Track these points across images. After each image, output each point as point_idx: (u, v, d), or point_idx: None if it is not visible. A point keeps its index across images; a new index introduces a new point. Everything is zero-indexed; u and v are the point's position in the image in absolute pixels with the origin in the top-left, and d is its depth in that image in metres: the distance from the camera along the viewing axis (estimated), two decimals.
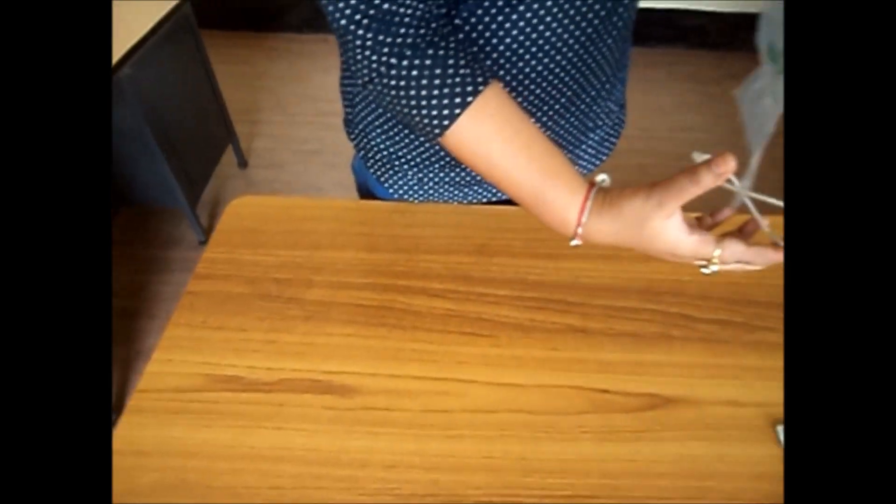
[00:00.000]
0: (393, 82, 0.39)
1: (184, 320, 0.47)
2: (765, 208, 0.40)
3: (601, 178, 0.41)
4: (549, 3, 0.42)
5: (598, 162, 0.63)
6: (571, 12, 0.44)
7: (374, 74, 0.39)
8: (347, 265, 0.53)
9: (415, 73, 0.38)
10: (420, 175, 0.57)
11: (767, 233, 0.41)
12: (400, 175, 0.58)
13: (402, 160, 0.57)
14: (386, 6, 0.37)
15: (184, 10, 1.19)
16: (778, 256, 0.39)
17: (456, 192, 0.58)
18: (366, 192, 0.65)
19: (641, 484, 0.39)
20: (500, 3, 0.42)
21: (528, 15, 0.43)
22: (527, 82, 0.48)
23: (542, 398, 0.43)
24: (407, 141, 0.55)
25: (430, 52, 0.38)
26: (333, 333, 0.48)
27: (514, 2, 0.42)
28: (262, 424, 0.41)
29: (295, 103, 2.09)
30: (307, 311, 0.49)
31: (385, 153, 0.57)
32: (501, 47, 0.45)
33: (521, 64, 0.46)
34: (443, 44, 0.39)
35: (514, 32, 0.44)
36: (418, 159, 0.56)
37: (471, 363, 0.45)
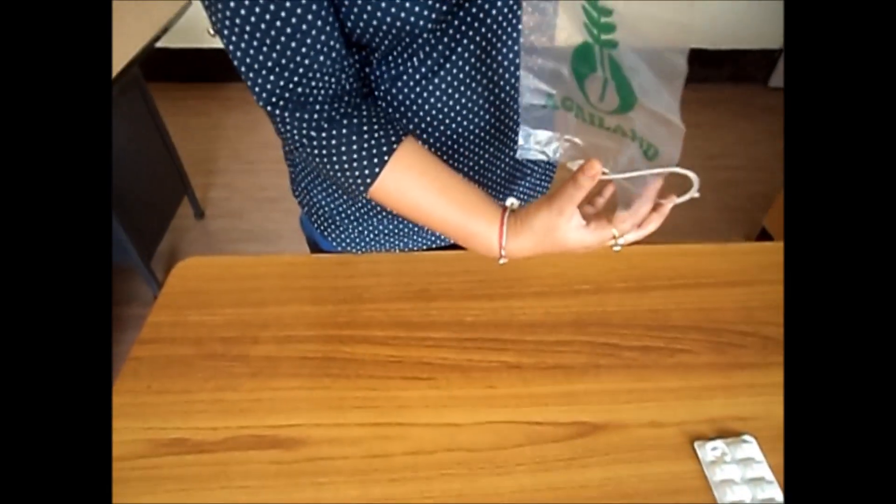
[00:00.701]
0: (316, 150, 0.43)
1: (127, 387, 0.48)
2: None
3: (510, 202, 0.47)
4: (461, 76, 0.47)
5: None
6: (484, 81, 0.49)
7: (297, 145, 0.44)
8: (293, 319, 0.55)
9: (334, 142, 0.42)
10: (360, 228, 0.60)
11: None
12: (342, 229, 0.61)
13: (343, 215, 0.60)
14: (300, 90, 0.41)
15: (131, 72, 1.21)
16: (642, 202, 0.43)
17: (396, 242, 0.62)
18: (313, 245, 0.68)
19: None
20: (416, 77, 0.47)
21: (443, 86, 0.48)
22: (449, 143, 0.52)
23: (479, 435, 0.46)
24: (346, 197, 0.58)
25: (346, 122, 0.43)
26: (279, 388, 0.49)
27: (430, 75, 0.47)
28: (207, 485, 0.42)
29: (251, 152, 2.11)
30: (253, 368, 0.51)
31: (326, 209, 0.60)
32: (421, 113, 0.49)
33: (441, 127, 0.51)
34: (355, 113, 0.43)
35: (432, 100, 0.48)
36: (357, 214, 0.59)
37: (411, 406, 0.48)
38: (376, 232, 0.61)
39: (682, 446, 0.46)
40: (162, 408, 0.47)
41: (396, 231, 0.61)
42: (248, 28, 0.39)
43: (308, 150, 0.43)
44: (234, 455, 0.44)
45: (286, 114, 0.42)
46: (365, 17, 0.40)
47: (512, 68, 0.49)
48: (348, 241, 0.62)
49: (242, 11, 0.38)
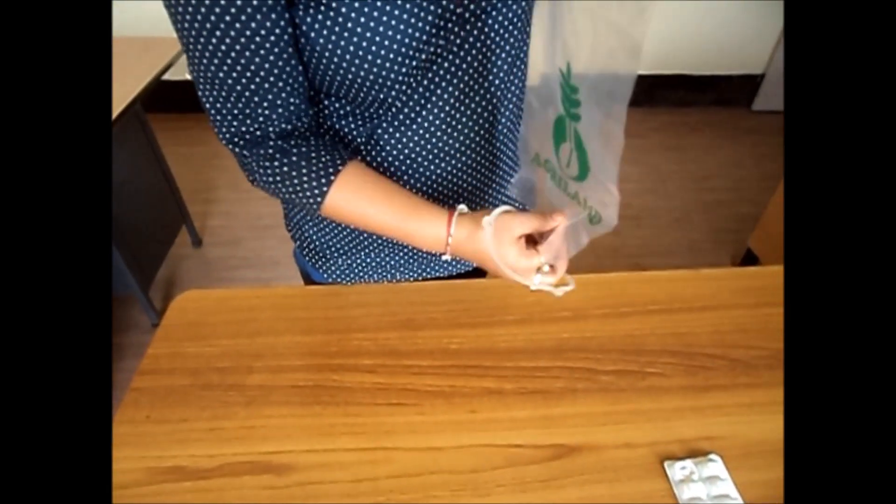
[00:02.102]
0: (271, 178, 0.50)
1: (127, 417, 0.51)
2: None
3: (461, 207, 0.52)
4: (437, 122, 0.51)
5: None
6: (459, 126, 0.53)
7: (255, 175, 0.50)
8: (285, 349, 0.58)
9: (286, 169, 0.49)
10: (349, 261, 0.64)
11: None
12: (332, 262, 0.64)
13: (333, 249, 0.63)
14: (258, 133, 0.48)
15: (134, 108, 1.26)
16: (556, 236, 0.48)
17: (384, 274, 0.65)
18: (305, 277, 0.71)
19: None
20: (395, 124, 0.51)
21: (421, 131, 0.52)
22: (429, 183, 0.56)
23: (461, 458, 0.48)
24: (335, 232, 0.62)
25: (296, 150, 0.49)
26: (272, 415, 0.52)
27: (407, 122, 0.51)
28: None
29: None
30: (247, 397, 0.53)
31: (317, 243, 0.64)
32: (401, 157, 0.53)
33: (421, 169, 0.55)
34: (304, 143, 0.49)
35: (411, 145, 0.53)
36: (346, 248, 0.62)
37: (397, 431, 0.50)
38: (364, 265, 0.64)
39: (652, 466, 0.48)
40: (160, 437, 0.49)
41: (383, 264, 0.64)
42: (216, 82, 0.45)
43: (265, 178, 0.50)
44: (229, 481, 0.46)
45: (245, 151, 0.49)
46: (341, 71, 0.45)
47: (485, 114, 0.53)
48: (338, 273, 0.65)
49: (213, 68, 0.43)
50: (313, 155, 0.49)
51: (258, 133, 0.48)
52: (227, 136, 0.49)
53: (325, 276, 0.66)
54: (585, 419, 0.52)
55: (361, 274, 0.65)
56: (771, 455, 0.49)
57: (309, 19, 0.42)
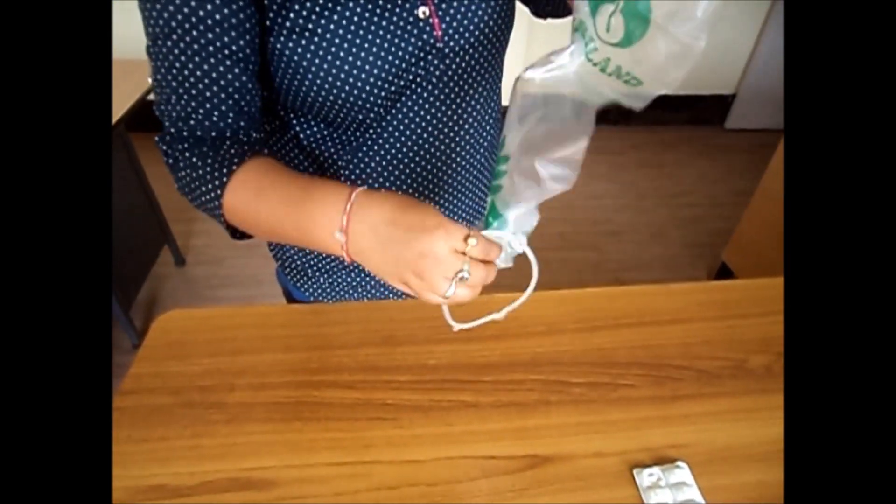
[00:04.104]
0: (182, 170, 0.47)
1: None
2: None
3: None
4: (419, 140, 0.54)
5: None
6: (441, 147, 0.55)
7: (173, 172, 0.48)
8: (267, 367, 0.59)
9: (195, 159, 0.46)
10: (330, 280, 0.65)
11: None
12: (313, 281, 0.66)
13: (314, 268, 0.65)
14: (185, 131, 0.48)
15: (118, 129, 1.27)
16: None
17: (363, 294, 0.67)
18: (287, 295, 0.72)
19: None
20: (380, 142, 0.53)
21: (404, 149, 0.54)
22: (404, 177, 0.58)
23: (438, 470, 0.50)
24: (316, 251, 0.64)
25: (209, 142, 0.47)
26: (253, 432, 0.53)
27: (389, 139, 0.53)
28: None
29: None
30: (229, 414, 0.54)
31: (298, 262, 0.65)
32: (386, 174, 0.56)
33: (403, 187, 0.57)
34: (225, 143, 0.47)
35: (394, 164, 0.55)
36: (327, 266, 0.64)
37: (376, 445, 0.52)
38: (345, 283, 0.66)
39: (622, 473, 0.50)
40: (141, 455, 0.50)
41: (363, 283, 0.66)
42: (164, 83, 0.46)
43: (178, 171, 0.48)
44: (209, 498, 0.47)
45: (166, 147, 0.48)
46: (323, 93, 0.47)
47: (461, 143, 0.56)
48: (320, 291, 0.67)
49: (163, 70, 0.45)
50: (224, 147, 0.46)
51: (185, 133, 0.47)
52: (162, 131, 0.48)
53: (307, 294, 0.67)
54: (558, 430, 0.54)
55: (342, 292, 0.67)
56: (735, 460, 0.51)
57: (291, 44, 0.45)
